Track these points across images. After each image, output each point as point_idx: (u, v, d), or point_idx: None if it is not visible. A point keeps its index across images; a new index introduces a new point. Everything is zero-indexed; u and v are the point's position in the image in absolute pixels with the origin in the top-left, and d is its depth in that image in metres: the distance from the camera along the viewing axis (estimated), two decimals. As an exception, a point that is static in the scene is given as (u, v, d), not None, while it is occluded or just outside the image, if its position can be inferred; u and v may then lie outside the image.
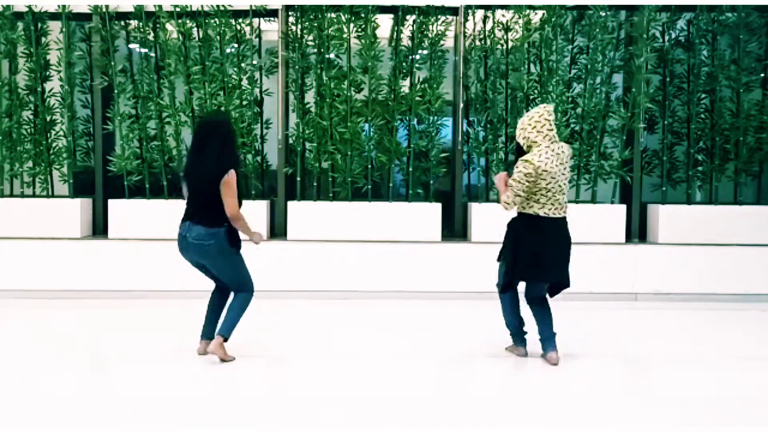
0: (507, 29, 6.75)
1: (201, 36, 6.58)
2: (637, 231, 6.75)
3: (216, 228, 4.22)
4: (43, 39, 6.68)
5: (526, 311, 4.55)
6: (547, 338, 4.43)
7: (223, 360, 4.33)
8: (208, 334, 4.46)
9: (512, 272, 4.36)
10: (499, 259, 4.53)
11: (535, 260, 4.28)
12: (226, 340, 4.31)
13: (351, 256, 6.41)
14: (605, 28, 6.51)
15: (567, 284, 4.45)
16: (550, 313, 4.46)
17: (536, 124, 4.28)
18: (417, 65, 6.66)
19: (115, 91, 6.58)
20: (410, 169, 6.66)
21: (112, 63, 6.59)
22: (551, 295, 4.50)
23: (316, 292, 6.34)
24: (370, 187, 6.64)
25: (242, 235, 4.35)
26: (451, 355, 4.73)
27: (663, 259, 6.47)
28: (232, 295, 4.45)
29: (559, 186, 4.26)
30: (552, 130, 4.30)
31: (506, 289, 4.47)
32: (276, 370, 4.36)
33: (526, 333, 4.56)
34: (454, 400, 3.90)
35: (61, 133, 6.75)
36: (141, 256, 6.37)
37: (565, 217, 4.35)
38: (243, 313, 4.37)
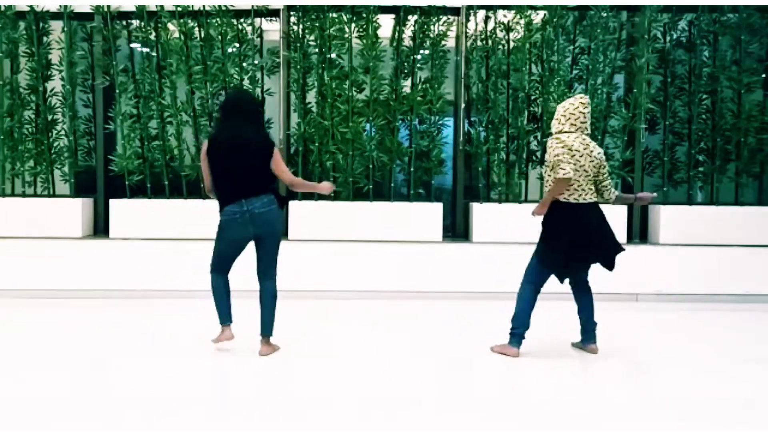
0: (508, 29, 6.76)
1: (202, 36, 6.58)
2: (639, 231, 6.74)
3: (272, 194, 4.34)
4: (45, 38, 6.69)
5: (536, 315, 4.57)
6: (590, 330, 4.65)
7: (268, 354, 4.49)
8: (229, 319, 4.52)
9: (561, 260, 4.45)
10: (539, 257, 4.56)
11: (575, 245, 4.40)
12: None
13: (352, 256, 6.41)
14: (606, 28, 6.52)
15: (612, 258, 4.52)
16: (592, 299, 4.64)
17: (570, 116, 4.42)
18: (418, 65, 6.66)
19: (117, 91, 6.58)
20: (411, 169, 6.66)
21: (114, 62, 6.60)
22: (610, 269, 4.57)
23: (317, 292, 6.33)
24: (371, 187, 6.64)
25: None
26: (452, 354, 4.72)
27: (664, 260, 6.47)
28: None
29: (585, 171, 4.38)
30: (585, 122, 4.44)
31: (558, 275, 4.54)
32: (276, 370, 4.34)
33: (524, 338, 4.57)
34: (455, 400, 3.89)
35: (63, 132, 6.75)
36: (142, 256, 6.37)
37: (592, 203, 4.44)
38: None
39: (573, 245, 4.41)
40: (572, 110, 4.42)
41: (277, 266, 4.48)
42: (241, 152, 4.25)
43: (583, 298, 4.65)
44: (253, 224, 4.30)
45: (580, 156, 4.38)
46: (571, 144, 4.36)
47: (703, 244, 6.49)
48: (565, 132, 4.43)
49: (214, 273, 4.50)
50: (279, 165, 4.33)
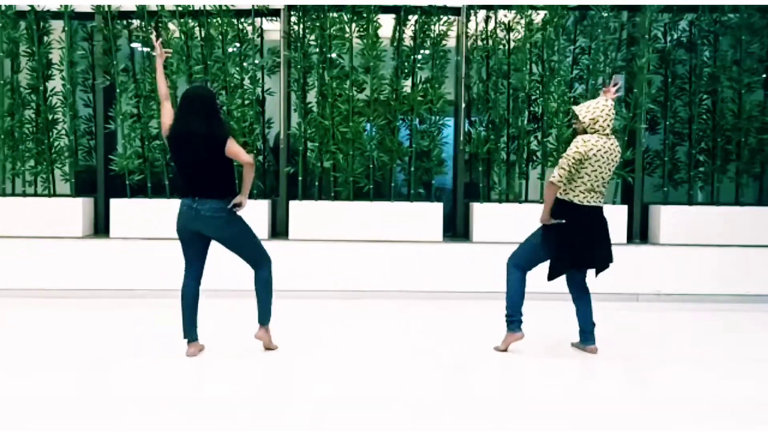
0: (509, 29, 6.74)
1: (203, 35, 6.57)
2: (639, 231, 6.73)
3: (224, 203, 4.28)
4: (46, 38, 6.67)
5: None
6: (589, 331, 4.64)
7: (268, 348, 4.52)
8: (194, 334, 4.46)
9: (559, 262, 4.49)
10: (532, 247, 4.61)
11: (581, 248, 4.44)
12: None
13: (352, 256, 6.40)
14: (607, 28, 6.51)
15: (610, 262, 4.60)
16: (590, 300, 4.63)
17: (606, 117, 4.38)
18: (419, 65, 6.63)
19: (117, 90, 6.56)
20: (412, 168, 6.65)
21: (114, 62, 6.57)
22: (595, 275, 4.65)
23: (317, 292, 6.33)
24: (371, 186, 6.62)
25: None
26: (452, 354, 4.71)
27: (664, 260, 6.46)
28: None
29: (600, 177, 4.39)
30: (611, 126, 4.43)
31: (552, 277, 4.56)
32: (277, 370, 4.34)
33: (522, 322, 4.59)
34: (455, 400, 3.89)
35: (63, 132, 6.73)
36: (142, 255, 6.36)
37: (600, 207, 4.50)
38: (272, 290, 4.45)
39: (580, 252, 4.45)
40: (608, 111, 4.38)
41: (259, 256, 4.43)
42: (190, 148, 4.21)
43: (581, 298, 4.64)
44: (199, 222, 4.28)
45: (599, 165, 4.35)
46: (588, 150, 4.30)
47: (703, 244, 6.47)
48: (597, 132, 4.36)
49: (185, 276, 4.46)
50: (233, 150, 4.23)
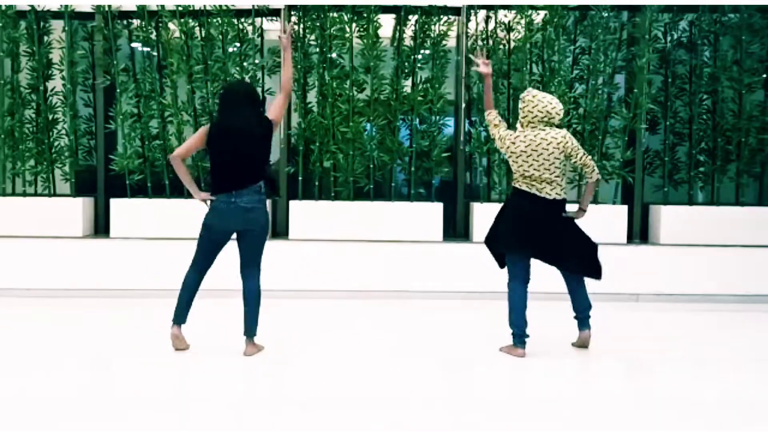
0: (509, 29, 6.74)
1: (203, 35, 6.56)
2: (639, 232, 6.72)
3: (264, 194, 4.35)
4: (46, 38, 6.67)
5: (532, 313, 4.55)
6: (583, 314, 4.58)
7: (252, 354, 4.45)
8: (184, 319, 4.48)
9: (496, 242, 4.58)
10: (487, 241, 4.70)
11: (509, 230, 4.49)
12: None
13: (352, 256, 6.39)
14: (607, 28, 6.50)
15: (578, 271, 4.56)
16: (583, 283, 4.59)
17: (524, 108, 4.48)
18: (419, 65, 6.62)
19: (118, 90, 6.54)
20: (412, 168, 6.64)
21: (115, 62, 6.56)
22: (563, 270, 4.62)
23: (317, 292, 6.31)
24: (372, 186, 6.62)
25: None
26: (453, 355, 4.69)
27: (665, 260, 6.44)
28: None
29: (532, 170, 4.39)
30: (530, 114, 4.42)
31: (502, 263, 4.61)
32: (277, 371, 4.29)
33: (528, 336, 4.51)
34: (455, 400, 3.89)
35: (63, 131, 6.72)
36: (143, 255, 6.35)
37: (548, 199, 4.41)
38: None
39: (508, 231, 4.47)
40: (521, 106, 4.49)
41: (260, 264, 4.43)
42: (246, 142, 4.28)
43: (573, 282, 4.61)
44: (236, 216, 4.28)
45: (519, 156, 4.41)
46: (505, 142, 4.47)
47: (703, 245, 6.45)
48: (534, 127, 4.42)
49: (192, 268, 4.46)
50: (275, 111, 4.42)
